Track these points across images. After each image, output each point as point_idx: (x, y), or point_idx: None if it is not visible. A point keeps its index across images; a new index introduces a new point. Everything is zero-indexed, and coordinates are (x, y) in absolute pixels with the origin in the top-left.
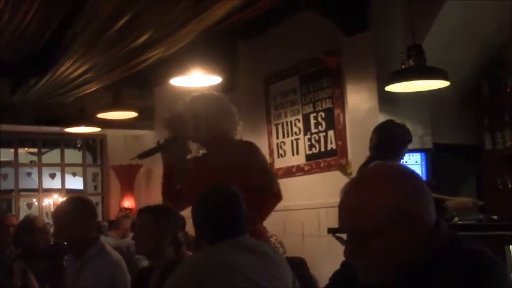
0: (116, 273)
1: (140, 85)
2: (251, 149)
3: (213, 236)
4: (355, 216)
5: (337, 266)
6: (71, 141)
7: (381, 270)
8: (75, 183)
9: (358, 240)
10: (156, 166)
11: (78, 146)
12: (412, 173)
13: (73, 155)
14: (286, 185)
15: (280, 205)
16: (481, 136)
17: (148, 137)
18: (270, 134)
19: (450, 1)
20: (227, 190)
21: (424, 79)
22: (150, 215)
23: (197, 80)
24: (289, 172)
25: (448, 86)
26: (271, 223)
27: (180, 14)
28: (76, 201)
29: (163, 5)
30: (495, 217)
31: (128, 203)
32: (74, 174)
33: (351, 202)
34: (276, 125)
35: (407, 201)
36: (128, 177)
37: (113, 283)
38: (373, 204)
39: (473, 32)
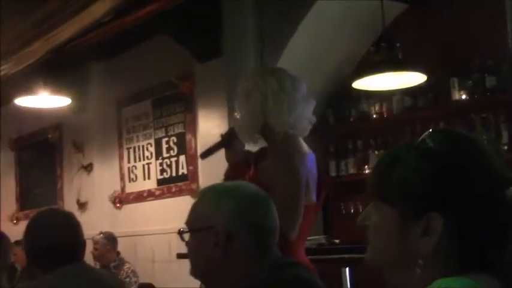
0: None
1: None
2: None
3: (47, 263)
4: (188, 214)
5: None
6: None
7: (192, 265)
8: None
9: (184, 236)
10: None
11: None
12: (241, 194)
13: None
14: (137, 209)
15: (131, 230)
16: (326, 163)
17: None
18: (121, 157)
19: (297, 34)
20: (62, 214)
21: None
22: None
23: (45, 100)
24: (141, 197)
25: None
26: (122, 249)
27: (26, 30)
28: None
29: (9, 20)
30: (337, 241)
31: None
32: None
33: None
34: (128, 148)
35: (218, 217)
36: None
37: None
38: (195, 210)
39: (320, 64)
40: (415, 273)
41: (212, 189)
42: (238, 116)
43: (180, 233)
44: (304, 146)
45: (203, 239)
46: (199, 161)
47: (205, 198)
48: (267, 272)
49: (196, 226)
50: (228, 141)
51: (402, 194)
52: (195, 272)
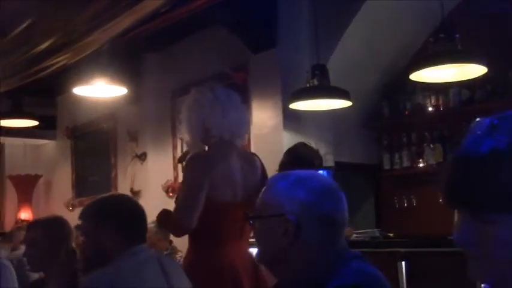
0: (4, 275)
1: (42, 94)
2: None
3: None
4: (258, 201)
5: None
6: None
7: (259, 251)
8: None
9: (253, 221)
10: (56, 177)
11: None
12: (313, 184)
13: None
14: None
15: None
16: (380, 156)
17: (50, 147)
18: (174, 147)
19: (353, 25)
20: (128, 199)
21: (327, 98)
22: (40, 229)
23: (101, 90)
24: None
25: (350, 106)
26: (174, 238)
27: (85, 21)
28: None
29: (67, 11)
30: (391, 234)
31: (25, 214)
32: None
33: (263, 189)
34: (181, 138)
35: (290, 206)
36: (26, 188)
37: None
38: (267, 197)
39: (375, 56)
40: None
41: (285, 177)
42: (183, 130)
43: (249, 218)
44: (229, 153)
45: (272, 226)
46: (253, 151)
47: (277, 185)
48: (332, 263)
49: (267, 213)
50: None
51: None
52: (261, 258)
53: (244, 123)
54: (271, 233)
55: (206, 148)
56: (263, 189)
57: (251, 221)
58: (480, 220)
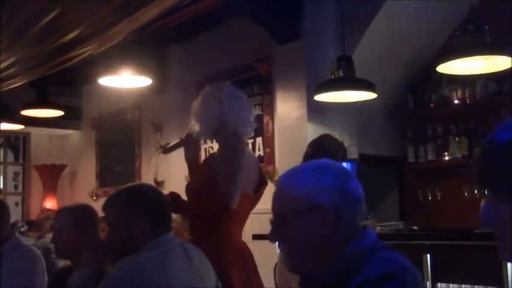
0: (35, 264)
1: (68, 84)
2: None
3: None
4: (277, 203)
5: (262, 273)
6: None
7: (295, 258)
8: None
9: (279, 226)
10: (81, 167)
11: None
12: (335, 169)
13: None
14: None
15: None
16: (404, 149)
17: (75, 137)
18: None
19: (378, 17)
20: (155, 189)
21: (352, 90)
22: (68, 216)
23: (127, 80)
24: None
25: (375, 99)
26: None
27: (111, 12)
28: None
29: (93, 1)
30: (415, 227)
31: (50, 203)
32: None
33: (276, 190)
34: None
35: (323, 195)
36: (51, 178)
37: (32, 274)
38: (291, 193)
39: (400, 48)
40: None
41: (300, 173)
42: (195, 122)
43: (279, 220)
44: (247, 148)
45: (309, 220)
46: (277, 143)
47: (299, 178)
48: (362, 254)
49: (301, 207)
50: (185, 142)
51: None
52: (297, 263)
53: (253, 122)
54: (309, 228)
55: (214, 141)
56: (279, 190)
57: (282, 222)
58: (503, 202)
